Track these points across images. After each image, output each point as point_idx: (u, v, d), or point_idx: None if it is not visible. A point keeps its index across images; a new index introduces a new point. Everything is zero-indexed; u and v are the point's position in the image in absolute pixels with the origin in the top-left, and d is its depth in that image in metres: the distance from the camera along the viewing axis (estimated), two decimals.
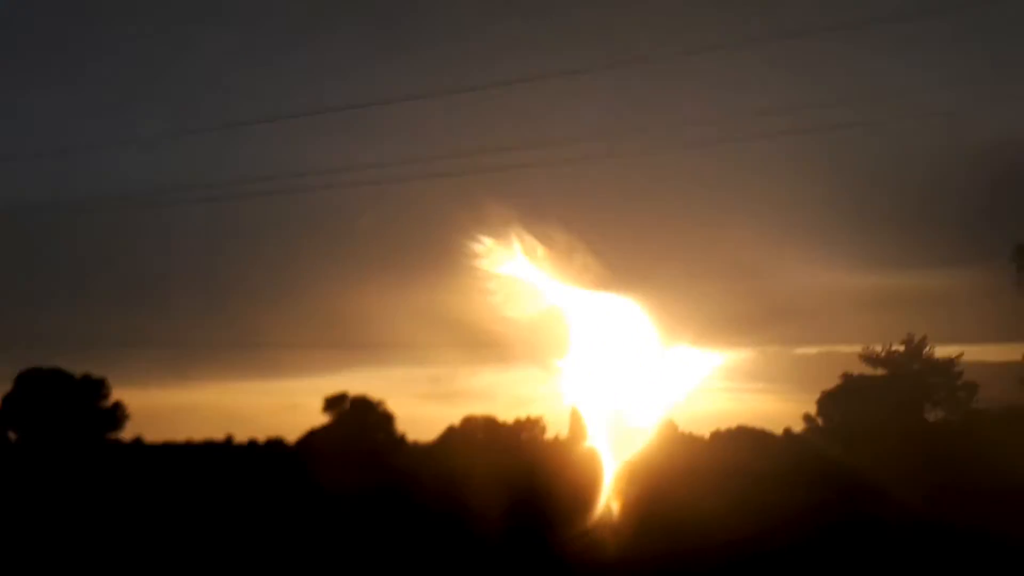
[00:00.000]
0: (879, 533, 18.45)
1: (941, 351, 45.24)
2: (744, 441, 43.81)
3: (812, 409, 46.04)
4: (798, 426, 46.52)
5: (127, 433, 54.91)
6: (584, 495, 28.65)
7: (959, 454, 30.16)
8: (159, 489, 31.86)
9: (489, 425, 51.05)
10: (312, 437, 47.78)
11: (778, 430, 46.68)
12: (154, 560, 17.53)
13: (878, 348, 45.79)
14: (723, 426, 50.50)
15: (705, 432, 51.13)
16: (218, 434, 50.25)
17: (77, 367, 55.03)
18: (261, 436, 50.04)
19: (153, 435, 52.75)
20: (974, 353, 45.76)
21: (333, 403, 50.10)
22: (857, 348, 46.68)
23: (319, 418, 50.51)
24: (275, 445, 49.03)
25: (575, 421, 58.53)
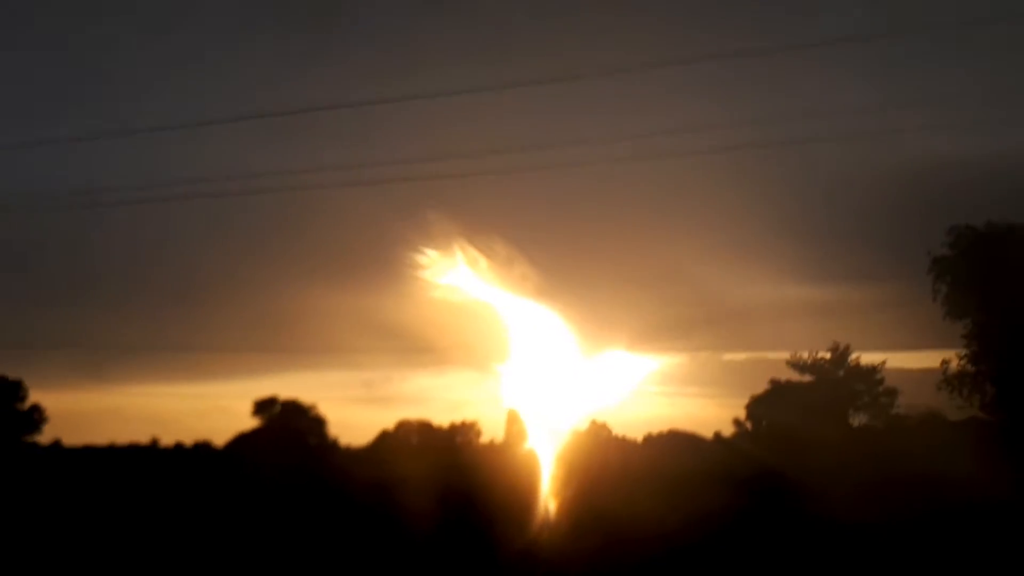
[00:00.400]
0: (804, 530, 19.00)
1: (865, 359, 46.91)
2: (676, 444, 44.54)
3: (741, 414, 47.24)
4: (728, 430, 47.65)
5: (45, 436, 52.78)
6: (521, 497, 28.75)
7: (881, 456, 31.31)
8: (81, 491, 30.78)
9: (424, 429, 50.65)
10: (241, 440, 46.66)
11: (709, 434, 47.73)
12: (76, 563, 16.91)
13: (805, 355, 47.20)
14: (655, 429, 51.44)
15: (638, 435, 51.99)
16: (143, 437, 48.70)
17: None
18: (188, 439, 48.69)
19: (73, 438, 50.87)
20: (896, 360, 47.73)
21: (263, 407, 49.01)
22: (785, 355, 48.15)
23: (248, 422, 49.42)
24: (203, 448, 47.72)
25: (511, 425, 58.70)
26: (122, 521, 23.26)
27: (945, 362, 42.21)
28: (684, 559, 16.64)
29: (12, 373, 53.22)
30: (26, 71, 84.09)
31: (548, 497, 31.19)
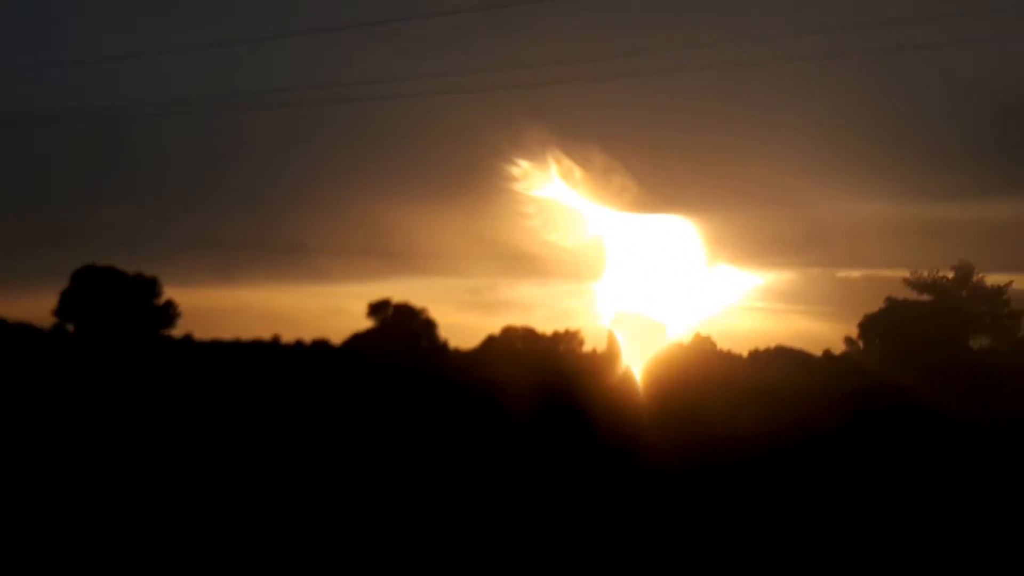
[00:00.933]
0: (916, 449, 18.65)
1: (990, 280, 44.36)
2: (782, 360, 43.90)
3: (854, 332, 45.83)
4: (838, 348, 46.41)
5: (178, 330, 56.83)
6: (621, 405, 29.21)
7: (1005, 382, 30.00)
8: (209, 383, 33.23)
9: (528, 335, 51.85)
10: (357, 339, 49.06)
11: (818, 351, 46.69)
12: (206, 450, 18.46)
13: (925, 274, 45.03)
14: (762, 345, 50.69)
15: (743, 350, 51.37)
16: (265, 334, 51.75)
17: (130, 266, 56.79)
18: (307, 337, 51.40)
19: (203, 333, 54.55)
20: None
21: (377, 309, 51.21)
22: (903, 273, 45.99)
23: (363, 323, 51.83)
24: (321, 346, 50.34)
25: (613, 336, 59.24)
26: (247, 412, 24.99)
27: None
28: (786, 471, 16.69)
29: (149, 271, 57.21)
30: None
31: (648, 407, 31.51)
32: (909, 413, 22.56)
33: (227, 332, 52.41)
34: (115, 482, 14.63)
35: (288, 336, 51.59)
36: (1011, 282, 44.16)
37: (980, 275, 44.19)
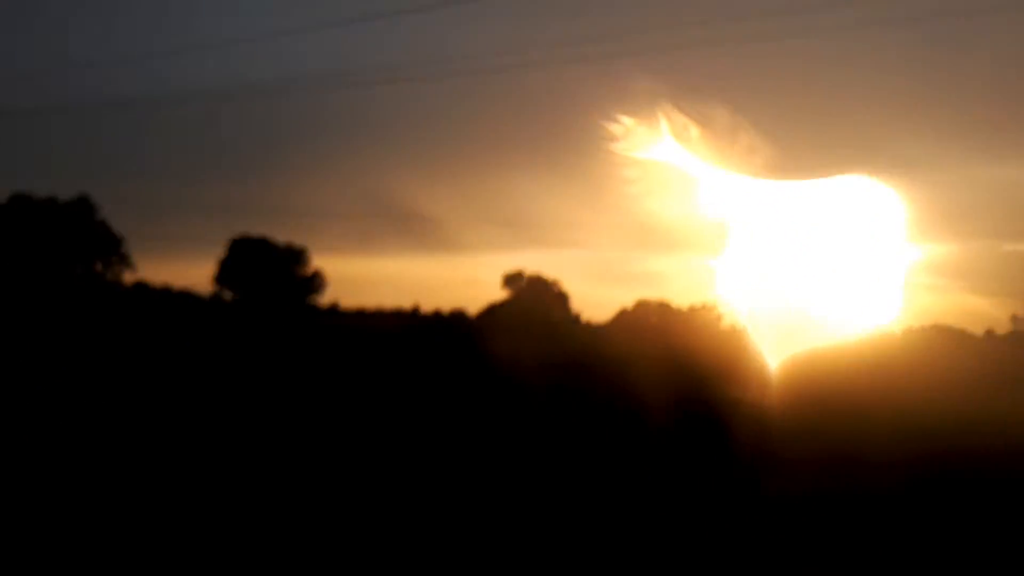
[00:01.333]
0: None
1: None
2: (940, 340, 41.10)
3: (1021, 310, 42.33)
4: (1003, 328, 43.13)
5: (325, 299, 59.91)
6: (760, 383, 28.36)
7: None
8: (356, 351, 34.76)
9: (662, 309, 51.07)
10: (492, 310, 50.05)
11: (979, 331, 43.45)
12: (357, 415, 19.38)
13: None
14: (917, 323, 47.62)
15: (896, 328, 48.40)
16: (406, 303, 53.68)
17: (281, 235, 60.23)
18: (445, 307, 52.90)
19: (349, 301, 57.28)
20: None
21: (511, 280, 52.06)
22: None
23: (498, 293, 52.80)
24: (458, 316, 51.66)
25: (753, 310, 57.23)
26: (388, 382, 25.94)
27: None
28: (941, 461, 15.61)
29: (298, 240, 60.50)
30: None
31: (788, 384, 30.37)
32: None
33: (370, 301, 54.79)
34: (271, 447, 15.63)
35: (427, 305, 53.37)
36: None
37: None
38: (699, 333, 49.95)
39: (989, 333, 42.58)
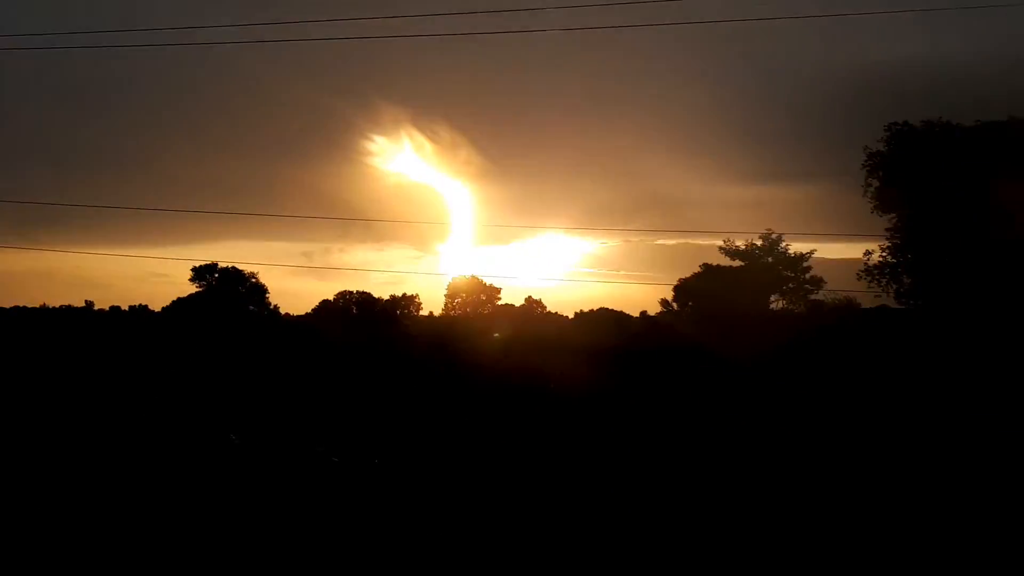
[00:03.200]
0: (714, 392, 20.38)
1: (796, 247, 48.53)
2: (604, 320, 46.18)
3: (671, 295, 48.95)
4: (655, 310, 49.53)
5: None
6: (458, 363, 29.73)
7: (792, 336, 33.13)
8: (14, 349, 30.85)
9: (364, 300, 51.40)
10: (179, 305, 46.71)
11: (637, 313, 49.66)
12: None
13: (739, 242, 48.57)
14: (587, 307, 53.29)
15: (570, 312, 53.83)
16: (76, 300, 48.42)
17: None
18: (124, 304, 48.59)
19: (3, 299, 50.34)
20: (826, 251, 49.47)
21: (201, 273, 48.79)
22: (718, 241, 49.53)
23: (187, 287, 49.26)
24: (140, 312, 47.72)
25: (451, 299, 59.84)
26: (53, 378, 23.44)
27: (867, 253, 44.23)
28: (603, 414, 17.71)
29: None
30: None
31: (484, 364, 32.25)
32: (696, 362, 24.77)
33: (31, 298, 48.62)
34: None
35: (103, 303, 48.59)
36: (813, 251, 48.61)
37: (786, 243, 48.28)
38: (400, 321, 51.20)
39: (643, 314, 48.79)
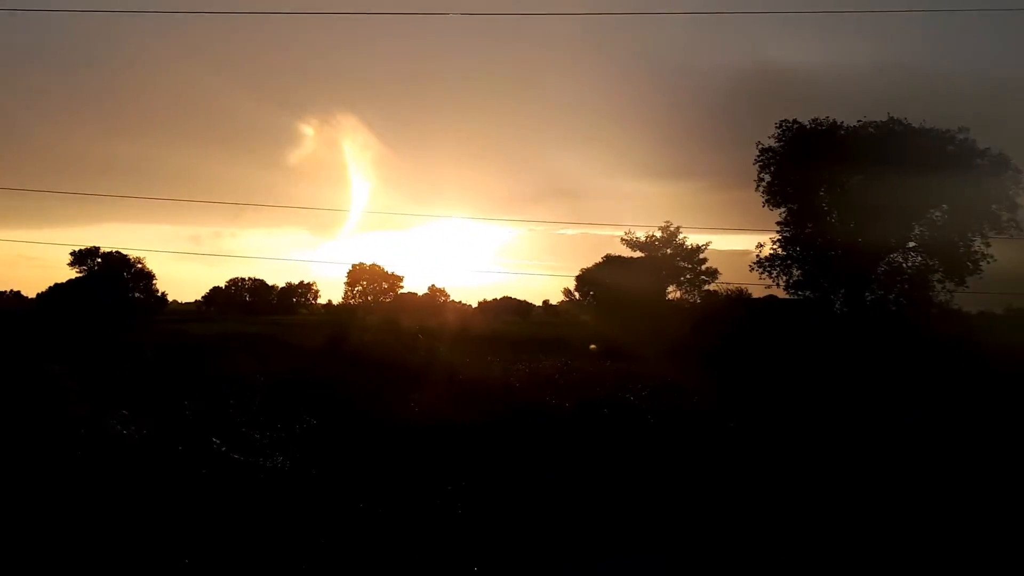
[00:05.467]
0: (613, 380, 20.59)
1: (693, 240, 49.95)
2: (507, 309, 46.22)
3: (573, 285, 49.56)
4: (557, 298, 50.11)
5: None
6: (359, 352, 29.00)
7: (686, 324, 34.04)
8: None
9: (258, 287, 49.50)
10: (56, 291, 43.72)
11: (539, 302, 50.01)
12: None
13: (640, 235, 49.56)
14: (491, 296, 53.28)
15: (474, 301, 53.67)
16: None
17: None
18: None
19: None
20: (721, 243, 51.06)
21: (82, 257, 45.83)
22: (619, 232, 50.42)
23: (66, 272, 46.19)
24: (11, 299, 44.46)
25: (351, 287, 58.50)
26: None
27: (759, 245, 46.05)
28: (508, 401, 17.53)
29: None
30: None
31: (385, 351, 31.64)
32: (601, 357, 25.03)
33: None
34: None
35: None
36: (709, 243, 50.13)
37: (683, 237, 49.58)
38: (297, 309, 49.64)
39: (545, 303, 49.23)
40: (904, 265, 41.36)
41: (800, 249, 42.84)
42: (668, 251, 49.73)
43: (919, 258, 41.12)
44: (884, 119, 41.57)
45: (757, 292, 44.28)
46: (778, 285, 43.98)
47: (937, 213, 40.43)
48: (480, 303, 50.03)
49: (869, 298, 42.07)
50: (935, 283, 40.46)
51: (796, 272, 43.49)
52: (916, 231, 41.05)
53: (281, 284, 59.55)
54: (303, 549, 7.43)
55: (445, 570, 7.13)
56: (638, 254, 49.15)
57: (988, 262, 39.06)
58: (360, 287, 55.41)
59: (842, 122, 42.65)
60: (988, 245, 39.10)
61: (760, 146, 43.57)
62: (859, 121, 42.00)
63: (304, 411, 14.26)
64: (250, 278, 52.12)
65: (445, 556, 7.32)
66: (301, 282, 54.21)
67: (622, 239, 49.30)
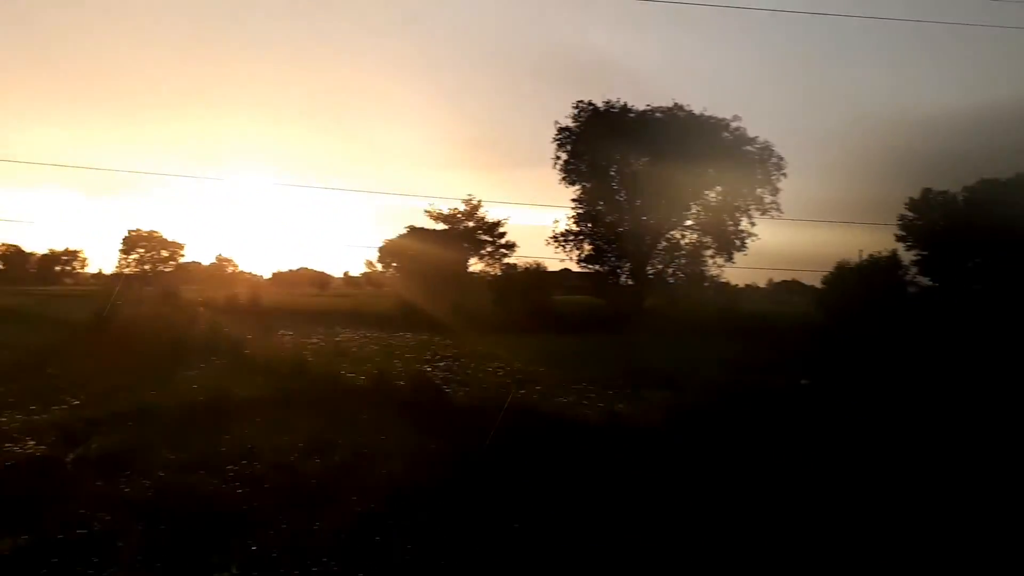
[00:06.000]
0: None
1: (494, 214, 50.85)
2: (304, 281, 44.68)
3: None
4: (358, 269, 49.14)
5: None
6: (134, 325, 26.64)
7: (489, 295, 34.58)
8: None
9: (13, 253, 44.10)
10: None
11: (340, 272, 48.81)
12: None
13: (443, 208, 49.72)
14: (287, 267, 51.18)
15: (268, 271, 51.29)
16: None
17: None
18: None
19: None
20: (522, 217, 52.23)
21: None
22: (424, 203, 50.30)
23: None
24: None
25: (124, 255, 53.64)
26: None
27: (555, 221, 47.72)
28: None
29: None
30: None
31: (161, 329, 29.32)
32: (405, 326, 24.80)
33: None
34: None
35: None
36: (509, 217, 51.24)
37: (486, 211, 50.30)
38: (60, 278, 44.86)
39: (346, 275, 48.16)
40: (682, 242, 44.82)
41: (592, 225, 44.97)
42: (470, 224, 50.26)
43: (695, 235, 44.73)
44: (670, 105, 44.44)
45: (553, 265, 45.99)
46: (571, 259, 46.04)
47: (712, 194, 44.09)
48: (275, 274, 47.93)
49: (650, 272, 45.13)
50: (707, 258, 44.32)
51: (588, 247, 45.69)
52: (693, 210, 44.55)
53: (43, 252, 53.69)
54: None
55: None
56: (441, 226, 49.34)
57: (753, 240, 43.35)
58: (136, 255, 50.91)
59: (632, 106, 45.14)
60: (754, 225, 43.39)
61: (558, 125, 45.20)
62: (648, 105, 44.67)
63: (64, 393, 12.75)
64: (3, 244, 46.41)
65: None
66: (67, 249, 49.04)
67: (425, 211, 49.31)
